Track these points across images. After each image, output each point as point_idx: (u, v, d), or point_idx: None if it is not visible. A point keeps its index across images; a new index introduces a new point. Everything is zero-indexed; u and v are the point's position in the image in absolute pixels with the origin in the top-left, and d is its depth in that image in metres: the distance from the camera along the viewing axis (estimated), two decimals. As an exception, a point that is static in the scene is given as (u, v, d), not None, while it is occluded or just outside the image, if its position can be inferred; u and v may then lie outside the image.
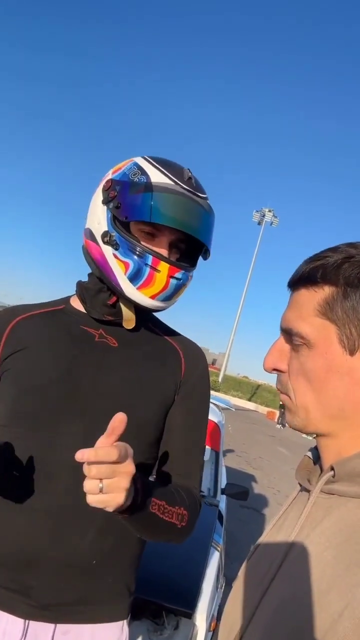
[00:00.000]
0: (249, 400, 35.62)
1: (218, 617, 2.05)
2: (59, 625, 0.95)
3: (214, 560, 2.23)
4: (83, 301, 1.02)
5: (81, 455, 0.66)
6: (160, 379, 1.03)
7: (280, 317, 0.62)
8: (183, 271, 0.94)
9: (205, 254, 0.99)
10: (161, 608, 1.80)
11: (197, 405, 1.07)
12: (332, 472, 0.55)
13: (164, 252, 0.94)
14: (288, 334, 0.59)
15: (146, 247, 0.92)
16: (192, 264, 1.00)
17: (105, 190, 0.95)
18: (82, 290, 1.03)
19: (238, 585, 0.65)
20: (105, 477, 0.69)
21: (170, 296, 0.96)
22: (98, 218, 0.96)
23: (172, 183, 0.89)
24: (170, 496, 0.92)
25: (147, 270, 0.91)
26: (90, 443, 0.92)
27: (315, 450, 0.65)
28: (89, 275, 1.04)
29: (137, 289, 0.92)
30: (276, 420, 24.24)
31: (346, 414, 0.55)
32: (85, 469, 0.68)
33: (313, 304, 0.55)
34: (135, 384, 1.00)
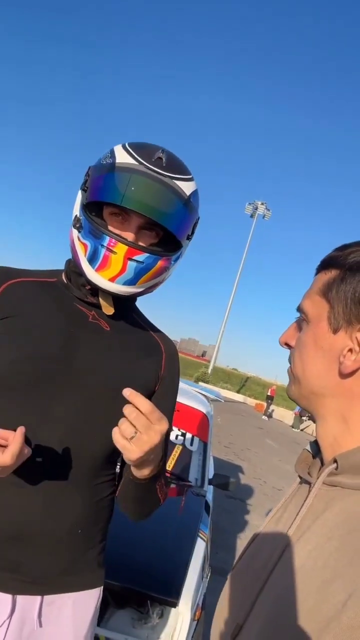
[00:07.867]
0: (238, 392, 35.81)
1: (203, 606, 2.06)
2: (45, 597, 0.97)
3: (200, 550, 2.24)
4: (69, 280, 1.03)
5: (129, 391, 0.74)
6: (145, 368, 1.05)
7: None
8: (147, 254, 0.89)
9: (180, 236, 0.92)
10: (146, 597, 1.80)
11: (170, 399, 1.11)
12: (335, 465, 0.55)
13: (130, 235, 0.91)
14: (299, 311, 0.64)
15: (107, 229, 0.90)
16: (170, 249, 0.95)
17: (85, 177, 0.96)
18: (69, 269, 1.03)
19: (235, 576, 0.65)
20: (140, 427, 0.74)
21: (133, 280, 0.92)
22: (76, 204, 0.96)
23: (135, 163, 0.87)
24: (164, 476, 1.01)
25: (103, 251, 0.89)
26: (80, 419, 0.94)
27: (315, 445, 0.66)
28: None
29: (96, 270, 0.91)
30: (263, 412, 24.46)
31: (328, 393, 0.57)
32: (126, 411, 0.74)
33: (319, 284, 0.60)
34: (126, 368, 1.01)
